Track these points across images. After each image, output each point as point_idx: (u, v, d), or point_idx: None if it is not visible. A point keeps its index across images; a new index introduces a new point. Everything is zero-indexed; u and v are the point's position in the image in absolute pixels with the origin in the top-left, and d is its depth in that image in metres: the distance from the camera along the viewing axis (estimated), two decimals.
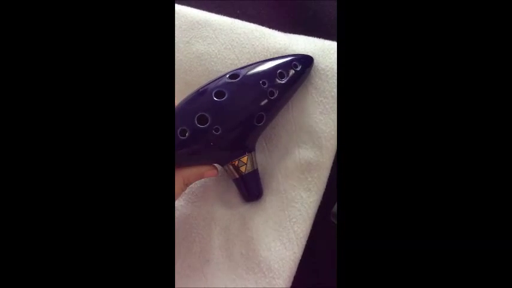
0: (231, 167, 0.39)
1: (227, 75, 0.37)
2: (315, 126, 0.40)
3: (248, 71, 0.37)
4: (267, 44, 0.42)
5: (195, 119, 0.35)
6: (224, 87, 0.36)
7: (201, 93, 0.37)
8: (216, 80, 0.37)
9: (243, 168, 0.38)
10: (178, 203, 0.42)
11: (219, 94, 0.36)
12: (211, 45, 0.43)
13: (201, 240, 0.40)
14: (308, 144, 0.40)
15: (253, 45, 0.42)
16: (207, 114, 0.35)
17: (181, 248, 0.40)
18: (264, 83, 0.37)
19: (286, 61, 0.39)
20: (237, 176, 0.39)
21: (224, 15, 0.45)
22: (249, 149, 0.39)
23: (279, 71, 0.38)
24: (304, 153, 0.40)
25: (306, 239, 0.38)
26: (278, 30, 0.43)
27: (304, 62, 0.39)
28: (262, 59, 0.41)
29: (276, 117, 0.41)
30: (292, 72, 0.38)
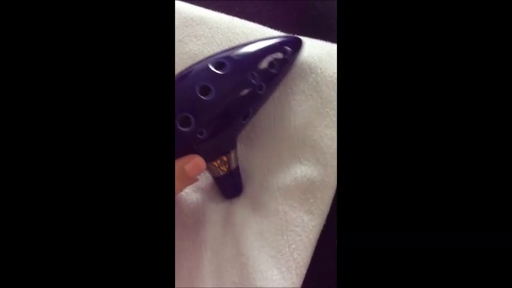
0: (211, 166, 0.35)
1: (210, 63, 0.32)
2: (319, 141, 0.36)
3: (235, 60, 0.33)
4: None
5: (177, 120, 0.31)
6: (210, 80, 0.31)
7: (180, 86, 0.32)
8: (196, 66, 0.33)
9: (224, 167, 0.35)
10: None
11: (204, 90, 0.31)
12: (206, 46, 0.40)
13: (190, 265, 0.36)
14: (311, 161, 0.36)
15: None
16: (190, 116, 0.31)
17: None
18: (253, 76, 0.33)
19: (276, 45, 0.35)
20: (219, 175, 0.36)
21: (221, 12, 0.41)
22: (232, 147, 0.35)
23: (269, 59, 0.33)
24: (306, 171, 0.36)
25: (307, 268, 0.35)
26: (280, 31, 0.40)
27: (294, 46, 0.36)
28: None
29: (275, 129, 0.37)
30: (282, 59, 0.34)
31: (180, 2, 0.42)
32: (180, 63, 0.40)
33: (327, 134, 0.36)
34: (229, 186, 0.37)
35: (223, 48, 0.39)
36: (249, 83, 0.32)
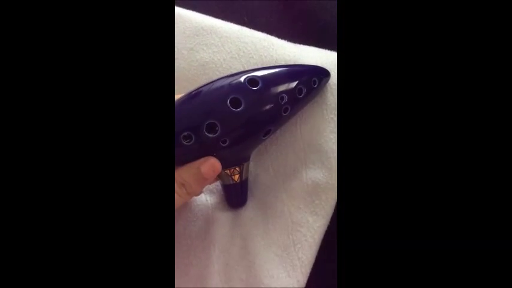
0: (223, 174, 0.36)
1: (243, 77, 0.33)
2: (324, 145, 0.37)
3: (268, 79, 0.34)
4: (276, 55, 0.40)
5: (204, 126, 0.31)
6: (241, 94, 0.32)
7: (212, 94, 0.33)
8: (230, 77, 0.34)
9: (235, 177, 0.36)
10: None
11: (235, 102, 0.32)
12: (216, 54, 0.41)
13: (199, 264, 0.38)
14: (316, 165, 0.37)
15: (261, 55, 0.40)
16: (218, 124, 0.32)
17: (177, 271, 0.37)
18: (282, 98, 0.34)
19: (306, 74, 0.36)
20: (229, 183, 0.37)
21: (231, 21, 0.42)
22: (246, 159, 0.37)
23: (299, 86, 0.35)
24: (311, 174, 0.37)
25: (311, 267, 0.36)
26: (287, 41, 0.41)
27: (322, 77, 0.37)
28: None
29: (282, 134, 0.39)
30: (309, 87, 0.36)
31: (192, 12, 0.43)
32: (191, 70, 0.41)
33: (332, 138, 0.37)
34: (236, 196, 0.38)
35: (233, 57, 0.41)
36: (276, 103, 0.33)
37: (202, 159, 0.33)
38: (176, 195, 0.32)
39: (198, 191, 0.34)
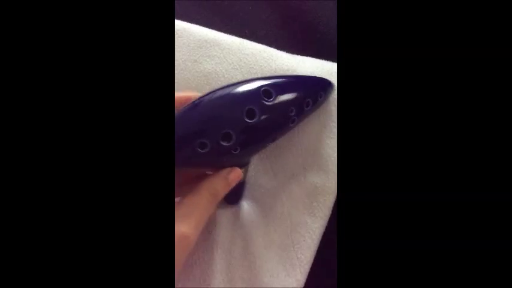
0: None
1: (257, 86, 0.34)
2: (321, 150, 0.39)
3: (281, 93, 0.35)
4: (275, 65, 0.42)
5: (220, 135, 0.32)
6: (257, 106, 0.33)
7: (229, 106, 0.33)
8: (243, 86, 0.34)
9: None
10: None
11: (250, 114, 0.33)
12: (219, 65, 0.43)
13: (202, 264, 0.39)
14: (314, 168, 0.39)
15: (261, 66, 0.42)
16: (233, 134, 0.32)
17: (181, 271, 0.39)
18: (291, 111, 0.35)
19: (314, 89, 0.38)
20: None
21: (232, 34, 0.44)
22: (248, 162, 0.38)
23: (307, 100, 0.36)
24: (310, 177, 0.39)
25: (310, 266, 0.38)
26: (286, 52, 0.43)
27: (327, 89, 0.39)
28: None
29: (282, 139, 0.40)
30: (315, 100, 0.37)
31: (195, 25, 0.45)
32: (195, 81, 0.43)
33: (328, 143, 0.39)
34: (234, 194, 0.40)
35: (234, 68, 0.43)
36: (286, 115, 0.35)
37: (228, 169, 0.35)
38: (213, 206, 0.34)
39: (223, 196, 0.36)
